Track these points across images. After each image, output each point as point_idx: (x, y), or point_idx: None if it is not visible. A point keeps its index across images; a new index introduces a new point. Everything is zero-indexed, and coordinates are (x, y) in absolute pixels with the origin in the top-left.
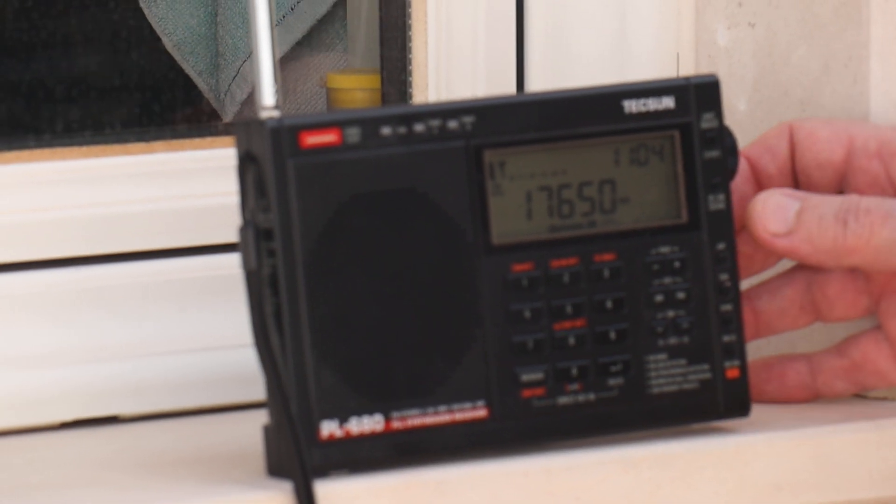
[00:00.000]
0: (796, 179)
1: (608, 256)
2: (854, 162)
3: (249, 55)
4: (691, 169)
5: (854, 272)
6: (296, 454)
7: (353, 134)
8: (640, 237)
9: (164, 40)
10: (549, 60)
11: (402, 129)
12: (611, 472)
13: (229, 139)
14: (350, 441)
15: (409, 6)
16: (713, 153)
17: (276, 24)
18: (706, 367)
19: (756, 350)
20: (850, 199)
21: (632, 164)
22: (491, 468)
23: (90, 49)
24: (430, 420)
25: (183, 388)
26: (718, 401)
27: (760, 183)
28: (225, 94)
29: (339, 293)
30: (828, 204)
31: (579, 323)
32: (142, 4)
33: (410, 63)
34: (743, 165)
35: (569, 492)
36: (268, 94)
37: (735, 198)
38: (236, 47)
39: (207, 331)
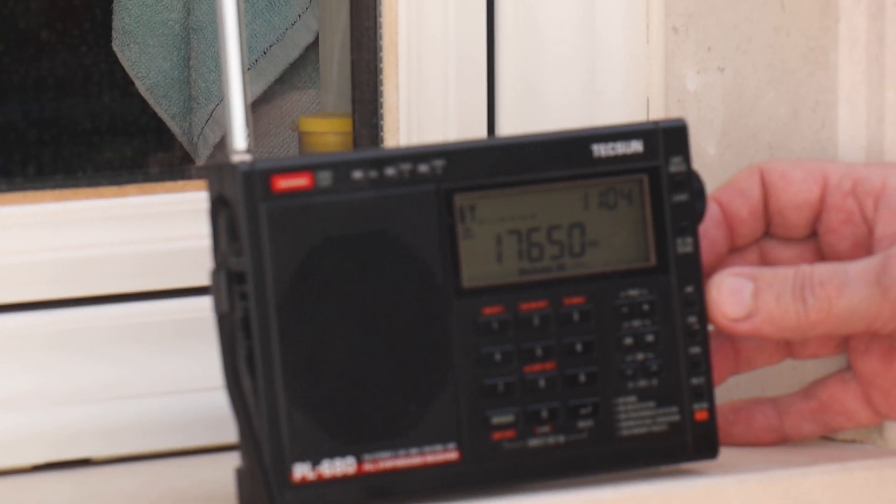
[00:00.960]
0: (769, 221)
1: (577, 299)
2: (828, 200)
3: (222, 99)
4: (660, 212)
5: None
6: (268, 497)
7: (325, 178)
8: (610, 280)
9: (137, 84)
10: (519, 104)
11: (374, 173)
12: None
13: (202, 182)
14: (322, 484)
15: (381, 50)
16: (681, 197)
17: (249, 67)
18: (675, 409)
19: (726, 392)
20: (803, 272)
21: (601, 207)
22: None
23: (62, 93)
24: (401, 462)
25: (155, 430)
26: (687, 443)
27: (732, 227)
28: (198, 138)
29: (312, 336)
30: (781, 281)
31: (549, 366)
32: (115, 48)
33: (382, 107)
34: (714, 209)
35: None
36: (239, 138)
37: (705, 243)
38: (209, 91)
39: (179, 373)
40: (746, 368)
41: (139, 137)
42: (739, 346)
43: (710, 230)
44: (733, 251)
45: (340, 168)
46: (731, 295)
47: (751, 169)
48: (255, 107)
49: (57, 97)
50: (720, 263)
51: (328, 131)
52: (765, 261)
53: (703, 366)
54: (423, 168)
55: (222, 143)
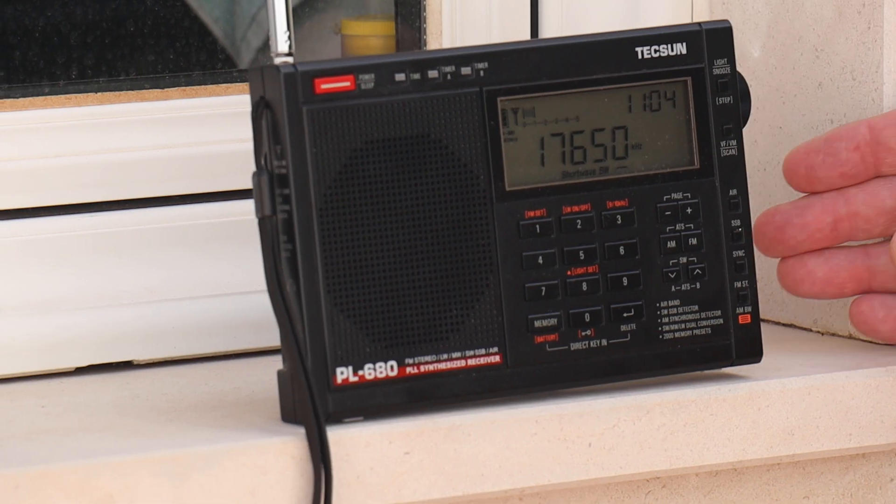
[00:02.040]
0: None
1: (620, 202)
2: None
3: (265, 2)
4: (703, 115)
5: None
6: (309, 400)
7: (367, 80)
8: (653, 183)
9: None
10: (563, 6)
11: (416, 76)
12: (623, 419)
13: (244, 86)
14: (364, 387)
15: None
16: (726, 99)
17: None
18: (718, 312)
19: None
20: None
21: (644, 110)
22: (503, 414)
23: None
24: (443, 366)
25: (197, 333)
26: (731, 347)
27: (878, 154)
28: (241, 41)
29: (354, 240)
30: None
31: (592, 269)
32: None
33: (424, 9)
34: (863, 132)
35: (581, 438)
36: (282, 41)
37: (836, 161)
38: None
39: (222, 277)
40: (880, 290)
41: (182, 41)
42: (875, 268)
43: (844, 152)
44: (878, 177)
45: (383, 70)
46: None
47: None
48: (297, 10)
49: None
50: (854, 185)
51: (371, 34)
52: None
53: (746, 269)
54: (465, 70)
55: (264, 48)
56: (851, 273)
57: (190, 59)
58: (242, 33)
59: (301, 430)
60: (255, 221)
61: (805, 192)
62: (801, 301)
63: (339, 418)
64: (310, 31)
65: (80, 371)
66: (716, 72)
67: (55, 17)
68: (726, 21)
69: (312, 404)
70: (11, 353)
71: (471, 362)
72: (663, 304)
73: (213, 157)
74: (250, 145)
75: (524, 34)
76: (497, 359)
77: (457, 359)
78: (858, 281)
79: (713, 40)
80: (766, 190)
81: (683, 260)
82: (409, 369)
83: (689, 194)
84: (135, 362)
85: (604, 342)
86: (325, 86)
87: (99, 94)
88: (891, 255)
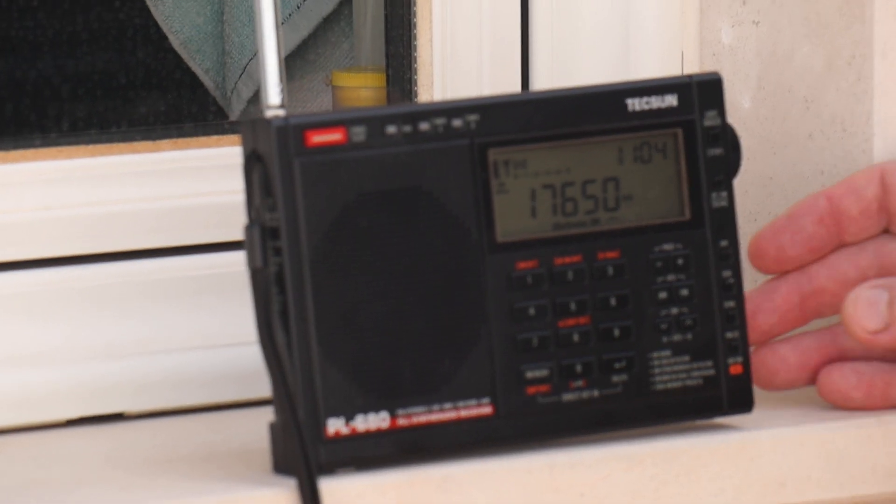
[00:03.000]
0: (890, 220)
1: (612, 254)
2: None
3: (256, 53)
4: (694, 166)
5: None
6: (301, 452)
7: (359, 133)
8: (644, 234)
9: (171, 38)
10: (553, 59)
11: (408, 128)
12: (615, 469)
13: (235, 137)
14: (356, 438)
15: (415, 4)
16: (716, 150)
17: (282, 22)
18: (710, 363)
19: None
20: None
21: (635, 161)
22: (495, 465)
23: (96, 47)
24: (435, 417)
25: (189, 385)
26: (722, 397)
27: (840, 223)
28: (231, 93)
29: (345, 291)
30: None
31: (583, 320)
32: (148, 3)
33: (415, 61)
34: (820, 204)
35: (573, 488)
36: (273, 93)
37: (804, 237)
38: (243, 45)
39: (213, 328)
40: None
41: (173, 92)
42: (844, 345)
43: (810, 226)
44: (841, 247)
45: (374, 123)
46: (868, 307)
47: (871, 169)
48: (289, 61)
49: (91, 52)
50: (819, 259)
51: (361, 86)
52: (882, 261)
53: (737, 319)
54: (457, 123)
55: (256, 98)
56: (821, 353)
57: (181, 110)
58: (233, 84)
59: (293, 482)
60: (247, 273)
61: (772, 274)
62: None
63: (331, 469)
64: (301, 83)
65: (70, 423)
66: (706, 123)
67: (46, 69)
68: (716, 73)
69: (304, 455)
70: (1, 406)
71: (463, 413)
72: (654, 354)
73: (204, 209)
74: (242, 197)
75: (515, 86)
76: (489, 410)
77: (448, 410)
78: (830, 361)
79: (704, 92)
80: None
81: (675, 311)
82: (400, 420)
83: (680, 245)
84: (126, 414)
85: (595, 393)
86: (317, 138)
87: (90, 146)
88: (845, 323)
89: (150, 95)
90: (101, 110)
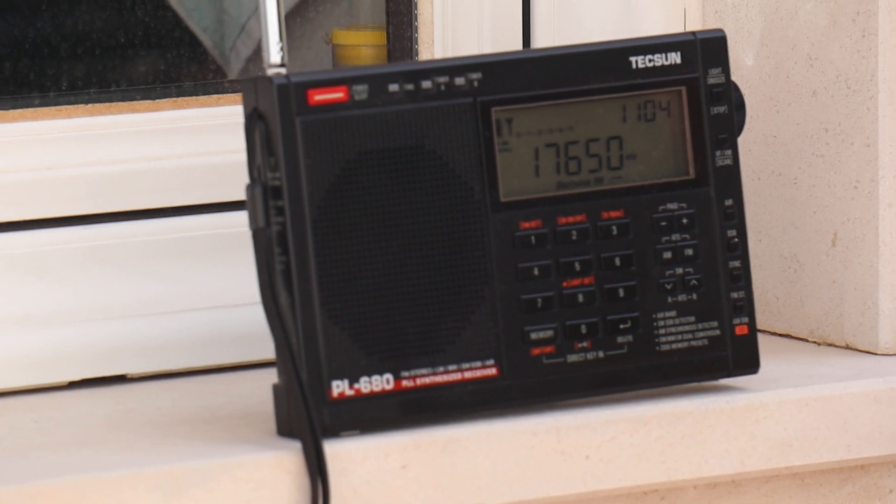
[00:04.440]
0: None
1: (616, 213)
2: None
3: (254, 11)
4: (698, 125)
5: None
6: (305, 414)
7: (361, 91)
8: (648, 193)
9: None
10: (555, 16)
11: (410, 86)
12: (620, 431)
13: (236, 96)
14: (360, 400)
15: None
16: (720, 108)
17: None
18: (715, 324)
19: (764, 305)
20: None
21: (639, 120)
22: (500, 426)
23: (94, 6)
24: (439, 379)
25: (191, 347)
26: (728, 358)
27: None
28: (230, 51)
29: (348, 251)
30: None
31: (587, 280)
32: None
33: (416, 19)
34: None
35: (578, 450)
36: (274, 52)
37: None
38: (241, 3)
39: (215, 289)
40: None
41: (172, 51)
42: None
43: None
44: None
45: (376, 81)
46: None
47: None
48: (288, 19)
49: (89, 10)
50: None
51: (362, 44)
52: None
53: (743, 279)
54: (459, 81)
55: (255, 57)
56: None
57: (181, 69)
58: (231, 43)
59: (297, 444)
60: (249, 233)
61: None
62: (798, 311)
63: (335, 432)
64: (300, 40)
65: (73, 385)
66: (710, 81)
67: (45, 28)
68: (720, 30)
69: (308, 418)
70: (4, 368)
71: (467, 375)
72: (660, 315)
73: (205, 169)
74: (243, 156)
75: (516, 44)
76: (493, 371)
77: (453, 371)
78: None
79: (707, 49)
80: (760, 200)
81: (679, 271)
82: (405, 382)
83: (684, 204)
84: (128, 376)
85: (600, 354)
86: (319, 97)
87: (90, 105)
88: None
89: (150, 54)
90: (99, 69)
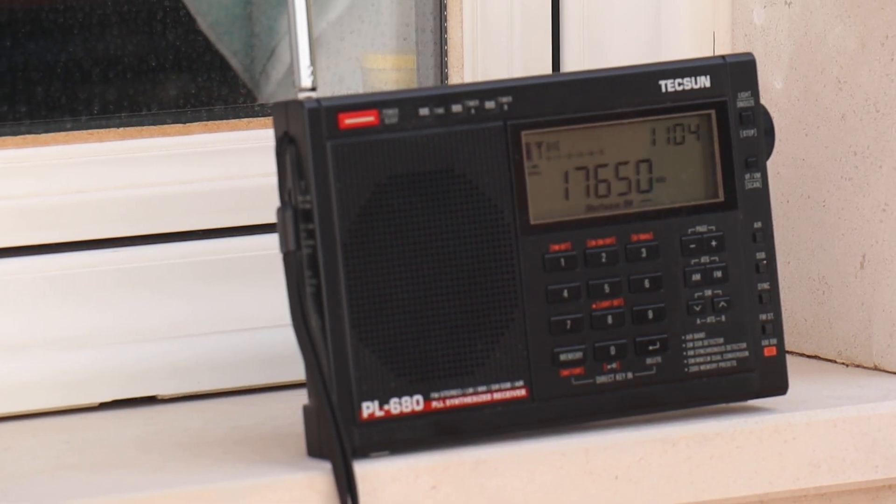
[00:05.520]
0: None
1: (645, 236)
2: None
3: (284, 35)
4: (727, 148)
5: None
6: (336, 435)
7: (391, 115)
8: (677, 216)
9: (199, 20)
10: (584, 39)
11: (440, 110)
12: (649, 452)
13: (266, 120)
14: (390, 421)
15: None
16: (749, 132)
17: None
18: (743, 345)
19: (791, 321)
20: None
21: (668, 143)
22: (529, 448)
23: (126, 30)
24: (469, 400)
25: (221, 368)
26: (756, 379)
27: None
28: (260, 75)
29: (378, 274)
30: None
31: (617, 302)
32: None
33: (446, 42)
34: None
35: (607, 471)
36: (305, 76)
37: None
38: (271, 27)
39: (246, 311)
40: None
41: (203, 75)
42: None
43: None
44: None
45: (407, 105)
46: None
47: None
48: (320, 42)
49: (121, 35)
50: None
51: (392, 67)
52: None
53: (771, 301)
54: (489, 104)
55: (285, 81)
56: None
57: (211, 93)
58: (262, 66)
59: (327, 465)
60: (280, 256)
61: None
62: (826, 333)
63: (365, 452)
64: (329, 64)
65: (103, 406)
66: (740, 104)
67: (77, 52)
68: (750, 54)
69: (339, 439)
70: (36, 389)
71: (496, 396)
72: (688, 336)
73: (235, 192)
74: (274, 180)
75: (546, 67)
76: (523, 392)
77: (482, 392)
78: None
79: (737, 73)
80: (789, 222)
81: (708, 293)
82: (434, 403)
83: (713, 227)
84: (158, 397)
85: (629, 375)
86: (350, 121)
87: (121, 129)
88: None
89: (180, 78)
90: (130, 93)
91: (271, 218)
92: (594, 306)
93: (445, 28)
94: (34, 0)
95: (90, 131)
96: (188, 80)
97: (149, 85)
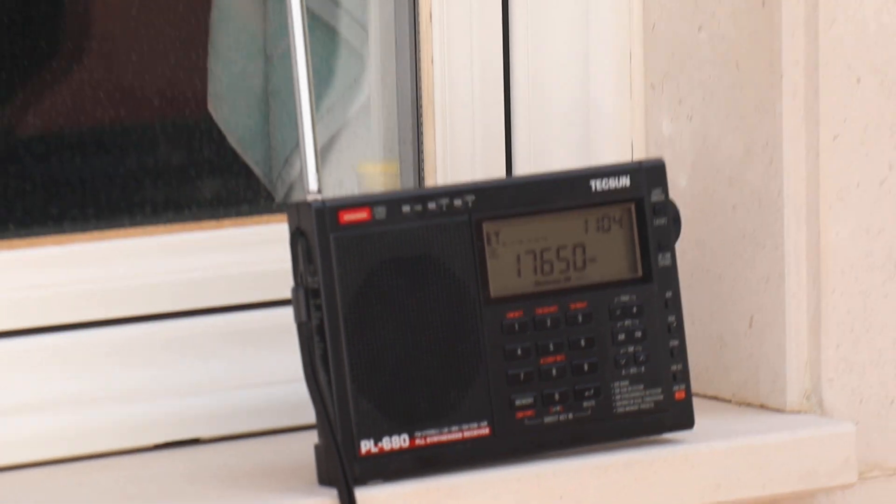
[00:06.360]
0: None
1: (581, 305)
2: None
3: (295, 147)
4: (644, 234)
5: None
6: (340, 468)
7: (381, 212)
8: (606, 289)
9: (228, 137)
10: (531, 149)
11: (419, 207)
12: (586, 476)
13: (282, 217)
14: (383, 456)
15: (421, 109)
16: (661, 221)
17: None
18: (659, 390)
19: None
20: None
21: (598, 230)
22: (493, 475)
23: (170, 146)
24: (445, 438)
25: (250, 414)
26: (669, 417)
27: None
28: (276, 180)
29: (372, 339)
30: None
31: (560, 358)
32: (210, 109)
33: (422, 153)
34: None
35: (554, 493)
36: (312, 181)
37: None
38: (285, 142)
39: (268, 369)
40: None
41: (231, 181)
42: None
43: None
44: None
45: (392, 204)
46: None
47: None
48: (324, 153)
49: (167, 150)
50: None
51: (380, 173)
52: None
53: (680, 355)
54: (457, 202)
55: (296, 183)
56: None
57: (238, 195)
58: (278, 173)
59: (334, 492)
60: (294, 325)
61: None
62: (723, 379)
63: (364, 481)
64: (331, 171)
65: (157, 447)
66: (653, 199)
67: (132, 164)
68: (660, 159)
69: (342, 470)
70: (103, 434)
71: (466, 434)
72: (616, 384)
73: (259, 275)
74: (289, 265)
75: (501, 171)
76: (487, 431)
77: (455, 432)
78: None
79: (650, 174)
80: (693, 292)
81: (631, 349)
82: (418, 441)
83: (634, 297)
84: (201, 439)
85: (570, 416)
86: (348, 217)
87: (168, 225)
88: None
89: (214, 183)
90: (175, 196)
91: (287, 294)
92: (542, 362)
93: (422, 141)
94: (98, 122)
95: (144, 227)
96: (220, 185)
97: (189, 190)
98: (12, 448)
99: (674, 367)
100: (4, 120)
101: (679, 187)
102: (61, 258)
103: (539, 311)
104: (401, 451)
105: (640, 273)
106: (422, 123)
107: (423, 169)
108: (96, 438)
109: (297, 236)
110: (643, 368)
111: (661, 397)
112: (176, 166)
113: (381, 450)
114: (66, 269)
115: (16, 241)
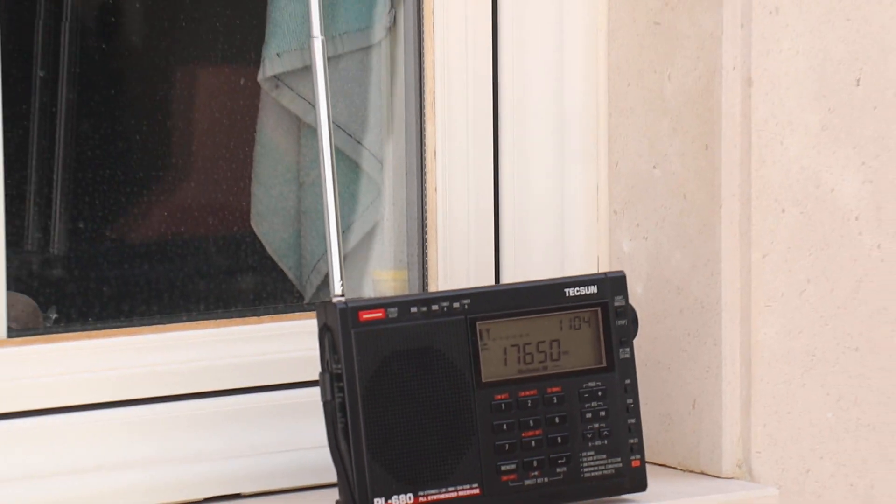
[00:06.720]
0: None
1: (556, 389)
2: None
3: (322, 256)
4: (608, 332)
5: None
6: None
7: (393, 312)
8: (577, 377)
9: (266, 247)
10: (515, 260)
11: (424, 308)
12: None
13: (311, 314)
14: None
15: (426, 227)
16: (622, 322)
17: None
18: (619, 459)
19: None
20: None
21: (571, 329)
22: None
23: (221, 255)
24: (442, 496)
25: (284, 474)
26: (627, 481)
27: None
28: (306, 283)
29: (385, 416)
30: None
31: (538, 432)
32: (252, 225)
33: (427, 263)
34: None
35: None
36: (337, 286)
37: None
38: (313, 252)
39: (299, 437)
40: None
41: (270, 284)
42: None
43: None
44: None
45: (403, 305)
46: None
47: None
48: (346, 262)
49: (214, 253)
50: None
51: (392, 279)
52: None
53: (636, 430)
54: (455, 304)
55: (323, 286)
56: None
57: (275, 295)
58: (307, 277)
59: None
60: (321, 403)
61: None
62: (671, 450)
63: None
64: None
65: (206, 500)
66: (616, 304)
67: (185, 267)
68: (621, 272)
69: None
70: (161, 489)
71: (461, 493)
72: (584, 454)
73: (293, 360)
74: (317, 353)
75: (490, 279)
76: (477, 491)
77: (451, 491)
78: None
79: (613, 284)
80: (647, 380)
81: (596, 426)
82: (420, 499)
83: (599, 383)
84: (242, 494)
85: (546, 479)
86: (366, 316)
87: (217, 321)
88: None
89: (254, 286)
90: (224, 297)
91: (314, 377)
92: (523, 435)
93: (426, 254)
94: (162, 235)
95: (197, 322)
96: (260, 287)
97: (233, 291)
98: (97, 499)
99: (631, 441)
100: (87, 234)
101: (636, 294)
102: (131, 346)
103: (522, 393)
104: None
105: (604, 364)
106: (426, 240)
107: (427, 277)
108: (156, 493)
109: (324, 330)
110: (606, 441)
111: (620, 465)
112: (224, 271)
113: None
114: (135, 355)
115: (94, 332)
